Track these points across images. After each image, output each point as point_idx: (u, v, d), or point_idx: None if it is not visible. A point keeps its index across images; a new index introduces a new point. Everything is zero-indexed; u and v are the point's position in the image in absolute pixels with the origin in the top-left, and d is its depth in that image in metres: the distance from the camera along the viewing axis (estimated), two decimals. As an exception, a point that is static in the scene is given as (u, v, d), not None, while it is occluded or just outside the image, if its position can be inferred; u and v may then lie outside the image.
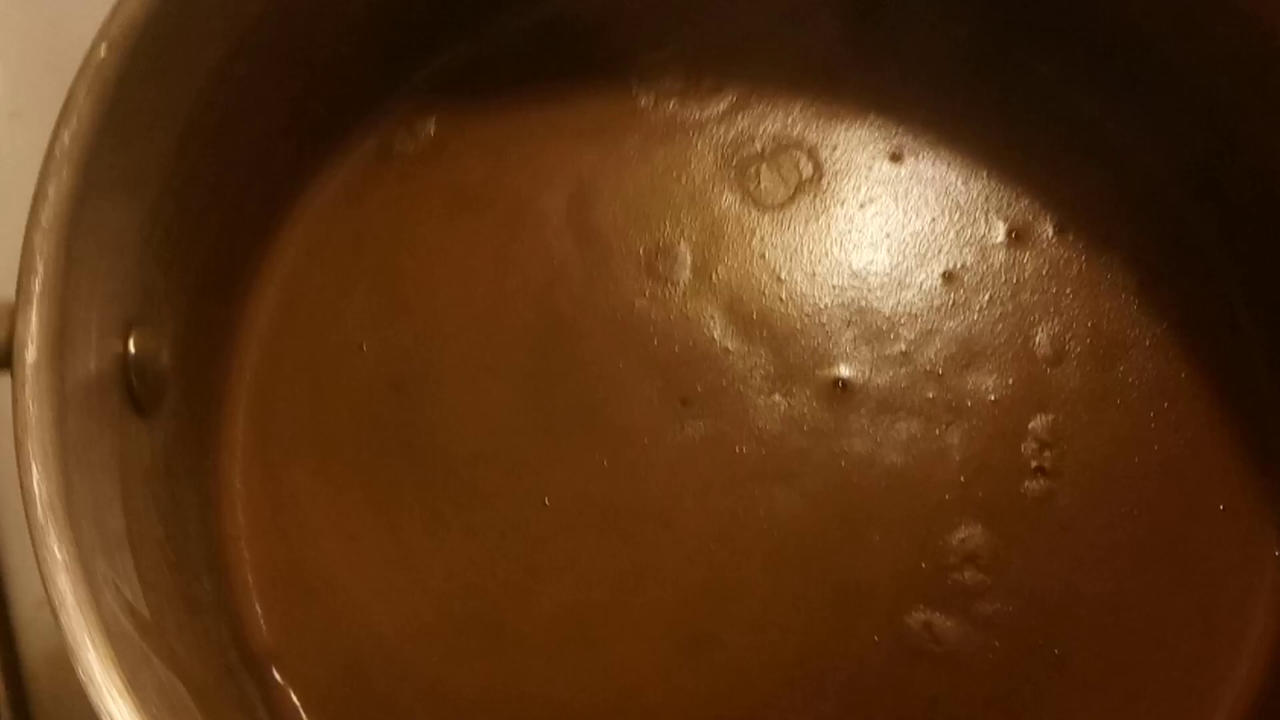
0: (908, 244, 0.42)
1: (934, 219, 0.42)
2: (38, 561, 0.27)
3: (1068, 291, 0.42)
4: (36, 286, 0.29)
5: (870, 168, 0.43)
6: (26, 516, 0.27)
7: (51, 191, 0.29)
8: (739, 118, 0.43)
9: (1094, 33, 0.42)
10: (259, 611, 0.39)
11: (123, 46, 0.30)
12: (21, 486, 0.27)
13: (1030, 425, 0.41)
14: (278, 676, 0.38)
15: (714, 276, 0.42)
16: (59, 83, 0.54)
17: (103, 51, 0.30)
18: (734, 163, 0.43)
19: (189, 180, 0.35)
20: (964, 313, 0.41)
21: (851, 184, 0.43)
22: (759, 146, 0.43)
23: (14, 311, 0.29)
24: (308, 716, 0.38)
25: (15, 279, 0.50)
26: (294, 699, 0.38)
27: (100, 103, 0.30)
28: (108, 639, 0.27)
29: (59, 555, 0.27)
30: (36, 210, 0.29)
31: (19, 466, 0.27)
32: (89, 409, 0.30)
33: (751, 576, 0.39)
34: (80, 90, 0.30)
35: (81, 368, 0.30)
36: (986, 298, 0.42)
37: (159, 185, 0.33)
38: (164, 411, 0.35)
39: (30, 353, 0.28)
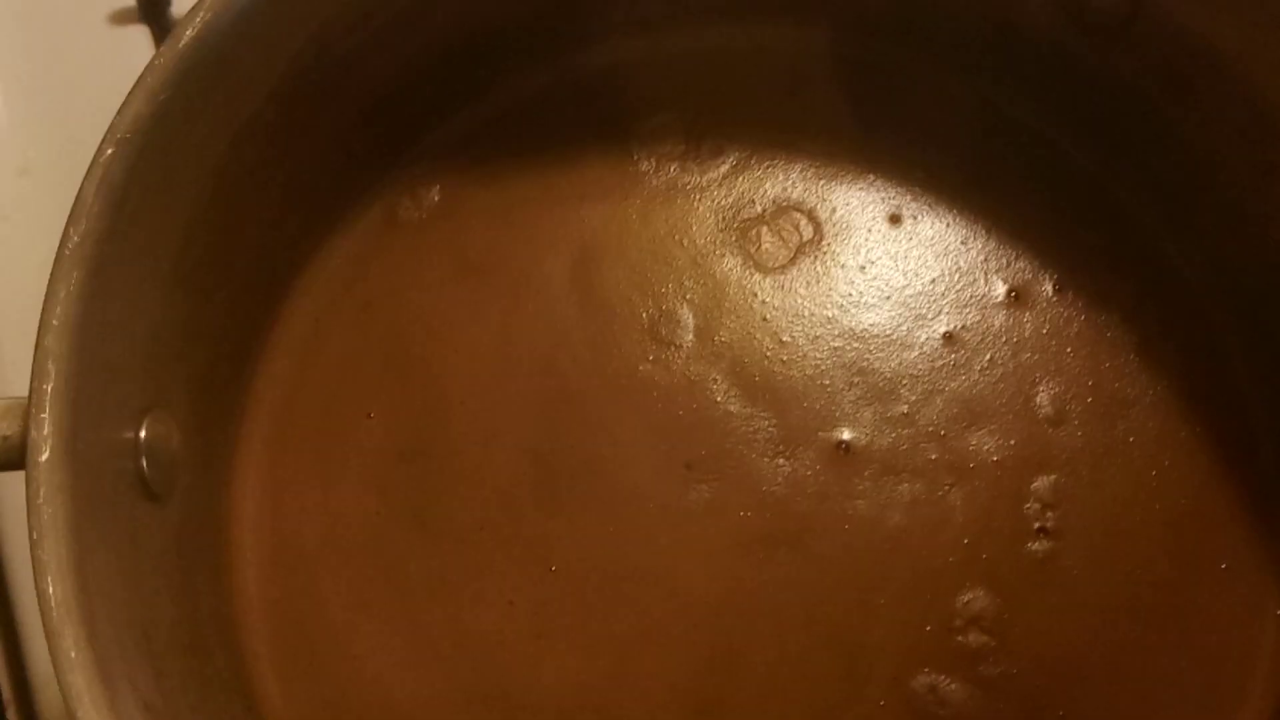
0: (908, 305, 0.43)
1: (934, 280, 0.43)
2: (54, 663, 0.28)
3: (1068, 350, 0.42)
4: (49, 388, 0.29)
5: (870, 229, 0.43)
6: (43, 621, 0.28)
7: (62, 292, 0.30)
8: (739, 180, 0.44)
9: (1090, 94, 0.43)
10: (272, 683, 0.40)
11: (131, 144, 0.31)
12: (37, 590, 0.28)
13: (1033, 485, 0.41)
14: (291, 749, 0.39)
15: (716, 340, 0.42)
16: (67, 138, 0.55)
17: (110, 150, 0.31)
18: (735, 225, 0.43)
19: (197, 265, 0.35)
20: (965, 373, 0.42)
21: (851, 245, 0.43)
22: (759, 209, 0.44)
23: (27, 412, 0.29)
24: (321, 789, 0.39)
25: (21, 327, 0.50)
26: (307, 771, 0.39)
27: (109, 202, 0.30)
28: (124, 739, 0.28)
29: (75, 656, 0.28)
30: (48, 312, 0.30)
31: (35, 571, 0.28)
32: (102, 503, 0.31)
33: (757, 642, 0.40)
34: (89, 191, 0.30)
35: (95, 463, 0.31)
36: (987, 358, 0.42)
37: (168, 274, 0.34)
38: (176, 492, 0.36)
39: (44, 454, 0.29)
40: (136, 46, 0.57)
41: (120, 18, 0.57)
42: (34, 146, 0.56)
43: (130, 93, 0.31)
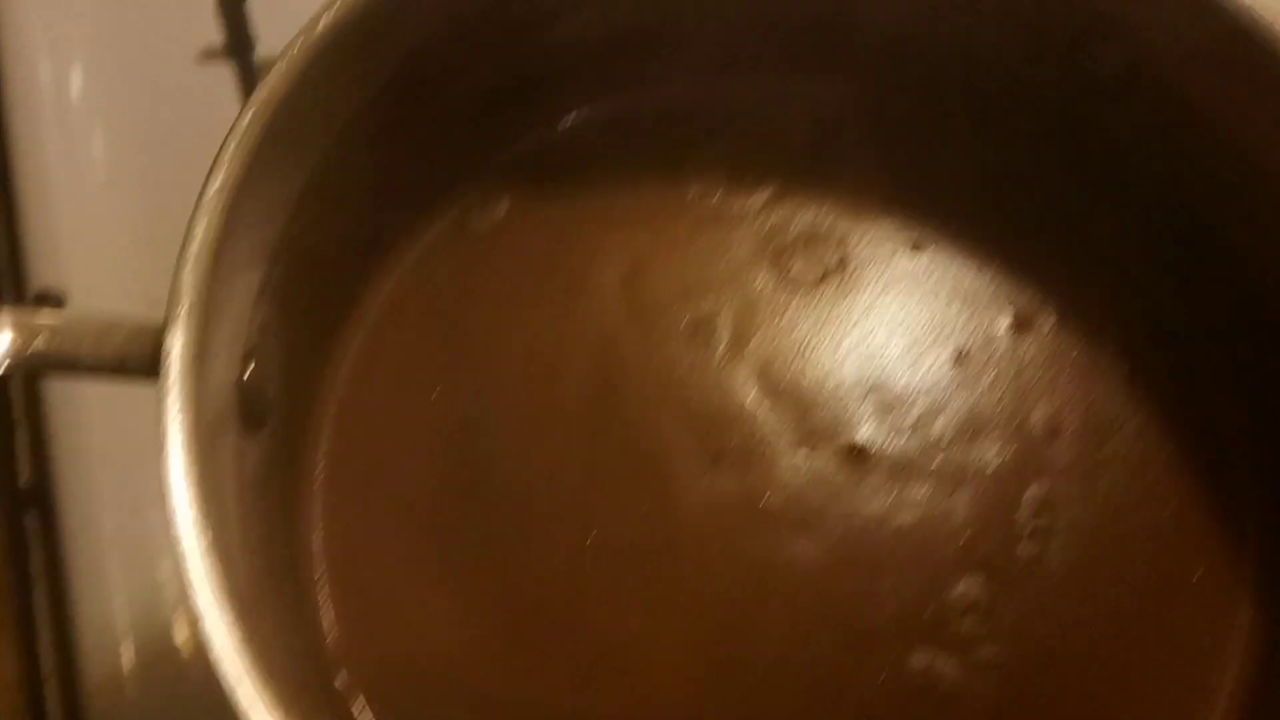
0: (923, 327, 0.47)
1: (947, 305, 0.47)
2: (171, 540, 0.32)
3: (1065, 375, 0.47)
4: (183, 312, 0.34)
5: (892, 258, 0.48)
6: (167, 501, 0.32)
7: (199, 232, 0.34)
8: (776, 209, 0.49)
9: (1091, 154, 0.48)
10: (331, 625, 0.43)
11: (264, 115, 0.36)
12: (161, 474, 0.32)
13: (1026, 494, 0.45)
14: (346, 682, 0.43)
15: (748, 347, 0.47)
16: (153, 155, 0.61)
17: (250, 113, 0.36)
18: (770, 249, 0.48)
19: (303, 231, 0.40)
20: (970, 391, 0.46)
21: (874, 272, 0.48)
22: (793, 236, 0.48)
23: (161, 332, 0.34)
24: None
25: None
26: (359, 705, 0.42)
27: (243, 162, 0.35)
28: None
29: (194, 541, 0.32)
30: (185, 248, 0.34)
31: (162, 477, 0.32)
32: (213, 420, 0.35)
33: (771, 615, 0.44)
34: (229, 148, 0.35)
35: (212, 384, 0.35)
36: (991, 378, 0.46)
37: (280, 233, 0.39)
38: (263, 435, 0.40)
39: (175, 366, 0.33)
40: (223, 82, 0.62)
41: (208, 55, 0.63)
42: (120, 165, 0.62)
43: (273, 68, 0.36)
